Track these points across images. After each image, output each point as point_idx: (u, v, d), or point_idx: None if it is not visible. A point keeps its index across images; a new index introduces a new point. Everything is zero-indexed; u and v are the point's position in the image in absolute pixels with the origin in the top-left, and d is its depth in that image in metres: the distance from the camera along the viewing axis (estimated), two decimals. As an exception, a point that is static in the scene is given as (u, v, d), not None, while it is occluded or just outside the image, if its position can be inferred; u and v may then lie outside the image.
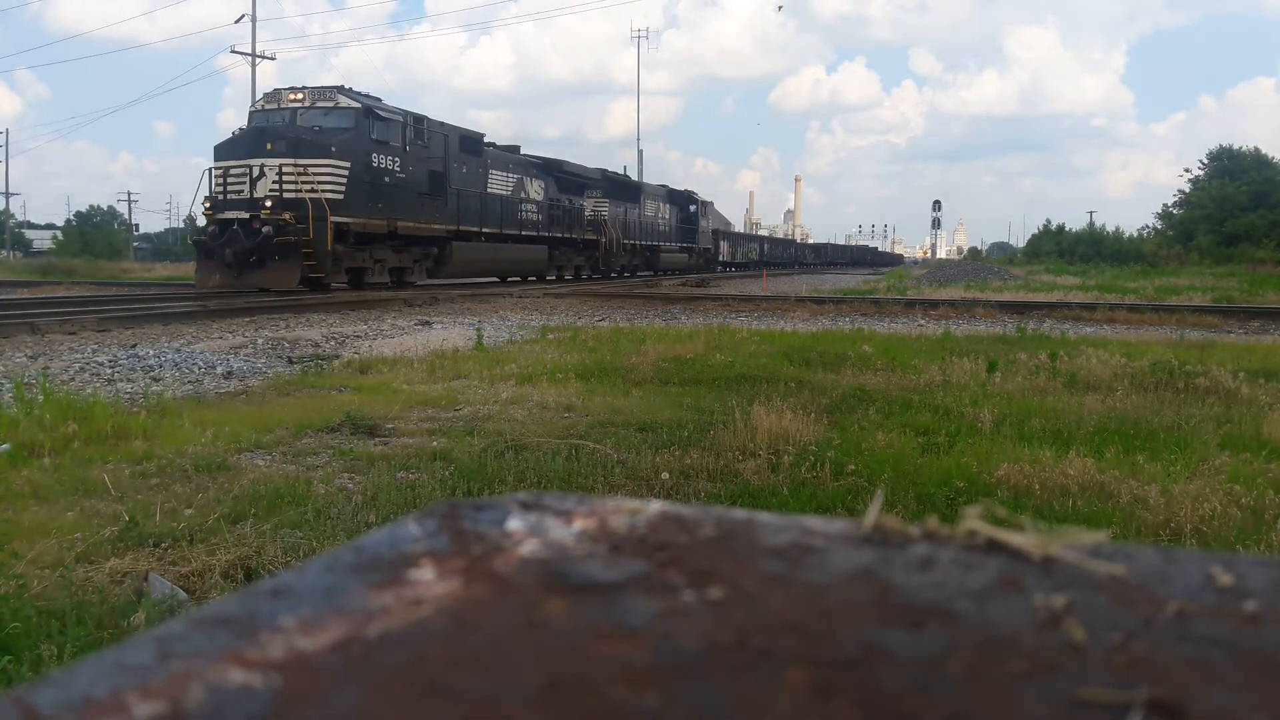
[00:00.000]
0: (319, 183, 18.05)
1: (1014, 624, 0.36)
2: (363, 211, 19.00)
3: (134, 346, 9.77)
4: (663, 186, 42.83)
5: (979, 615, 0.37)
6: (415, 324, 13.63)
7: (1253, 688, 0.32)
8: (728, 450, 4.98)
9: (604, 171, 34.76)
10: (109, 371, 8.06)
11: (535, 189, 27.30)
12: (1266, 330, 13.52)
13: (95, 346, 9.72)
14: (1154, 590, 0.39)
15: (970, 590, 0.39)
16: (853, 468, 4.53)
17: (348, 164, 18.74)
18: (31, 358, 8.79)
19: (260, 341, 10.84)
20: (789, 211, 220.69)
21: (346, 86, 20.04)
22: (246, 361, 8.95)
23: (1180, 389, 7.09)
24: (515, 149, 27.88)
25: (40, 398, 5.68)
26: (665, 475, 4.54)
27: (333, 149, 18.53)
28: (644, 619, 0.37)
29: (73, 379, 7.58)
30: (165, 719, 0.30)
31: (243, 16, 43.33)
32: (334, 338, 11.59)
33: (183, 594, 2.95)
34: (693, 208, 44.42)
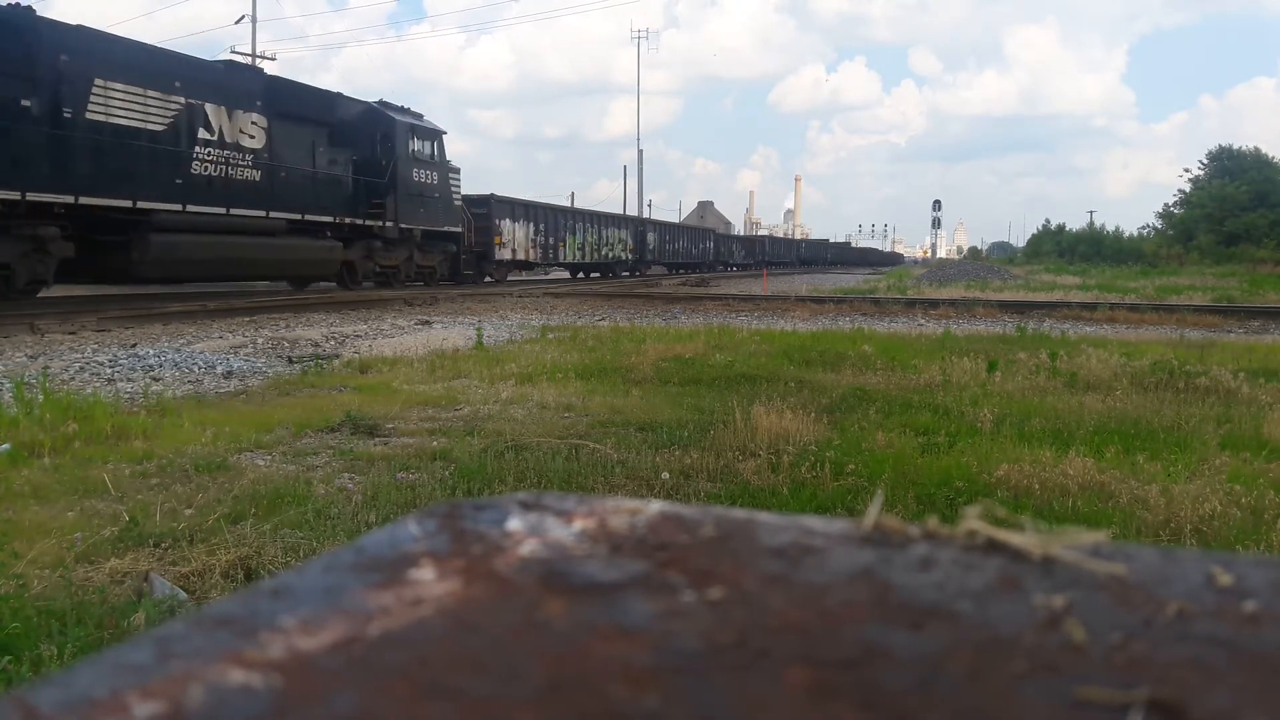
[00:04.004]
0: None
1: (1014, 624, 0.36)
2: None
3: (134, 346, 9.77)
4: (247, 69, 18.98)
5: (979, 615, 0.37)
6: (415, 324, 13.64)
7: (1253, 688, 0.32)
8: (728, 450, 4.98)
9: None
10: (109, 371, 8.06)
11: None
12: (1266, 330, 13.52)
13: (95, 346, 9.71)
14: (1154, 590, 0.39)
15: (970, 590, 0.39)
16: (853, 468, 4.53)
17: None
18: (31, 357, 8.78)
19: (260, 341, 10.84)
20: (789, 211, 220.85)
21: None
22: (247, 361, 8.95)
23: (1180, 389, 7.09)
24: None
25: (40, 397, 5.68)
26: (665, 475, 4.54)
27: None
28: (644, 619, 0.37)
29: (73, 379, 7.58)
30: (165, 719, 0.30)
31: (243, 17, 43.23)
32: (334, 337, 11.59)
33: (183, 594, 2.95)
34: (380, 136, 20.61)
